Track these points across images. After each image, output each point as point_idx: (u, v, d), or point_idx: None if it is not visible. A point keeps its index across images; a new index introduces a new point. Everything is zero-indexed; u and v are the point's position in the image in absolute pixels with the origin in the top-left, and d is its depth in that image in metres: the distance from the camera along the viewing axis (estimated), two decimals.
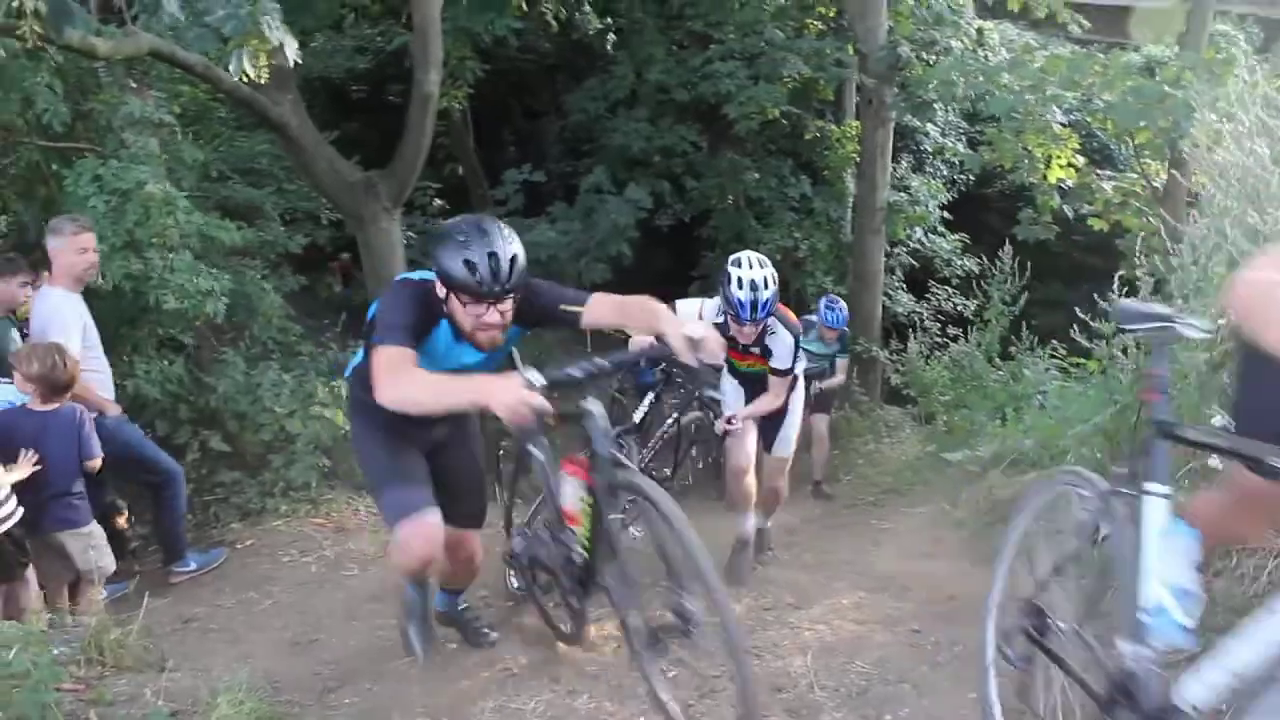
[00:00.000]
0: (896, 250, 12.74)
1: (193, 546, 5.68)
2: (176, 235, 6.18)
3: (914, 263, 13.23)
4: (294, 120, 7.92)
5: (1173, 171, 8.74)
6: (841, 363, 8.91)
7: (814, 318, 8.93)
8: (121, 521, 5.57)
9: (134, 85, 6.84)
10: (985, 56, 11.73)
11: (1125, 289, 5.91)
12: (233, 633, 4.73)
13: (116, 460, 5.13)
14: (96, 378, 5.21)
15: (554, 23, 11.26)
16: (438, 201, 11.02)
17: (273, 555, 5.83)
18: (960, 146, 13.45)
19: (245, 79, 5.81)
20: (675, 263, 12.57)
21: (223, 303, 6.27)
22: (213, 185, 8.21)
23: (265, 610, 5.05)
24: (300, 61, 5.89)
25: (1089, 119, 11.45)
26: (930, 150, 13.75)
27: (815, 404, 8.51)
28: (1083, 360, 7.35)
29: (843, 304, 8.88)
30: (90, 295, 5.43)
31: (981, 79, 9.90)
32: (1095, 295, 6.02)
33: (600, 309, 3.53)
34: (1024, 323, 8.93)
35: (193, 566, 5.51)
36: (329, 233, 9.83)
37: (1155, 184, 9.66)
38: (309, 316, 9.10)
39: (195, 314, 6.22)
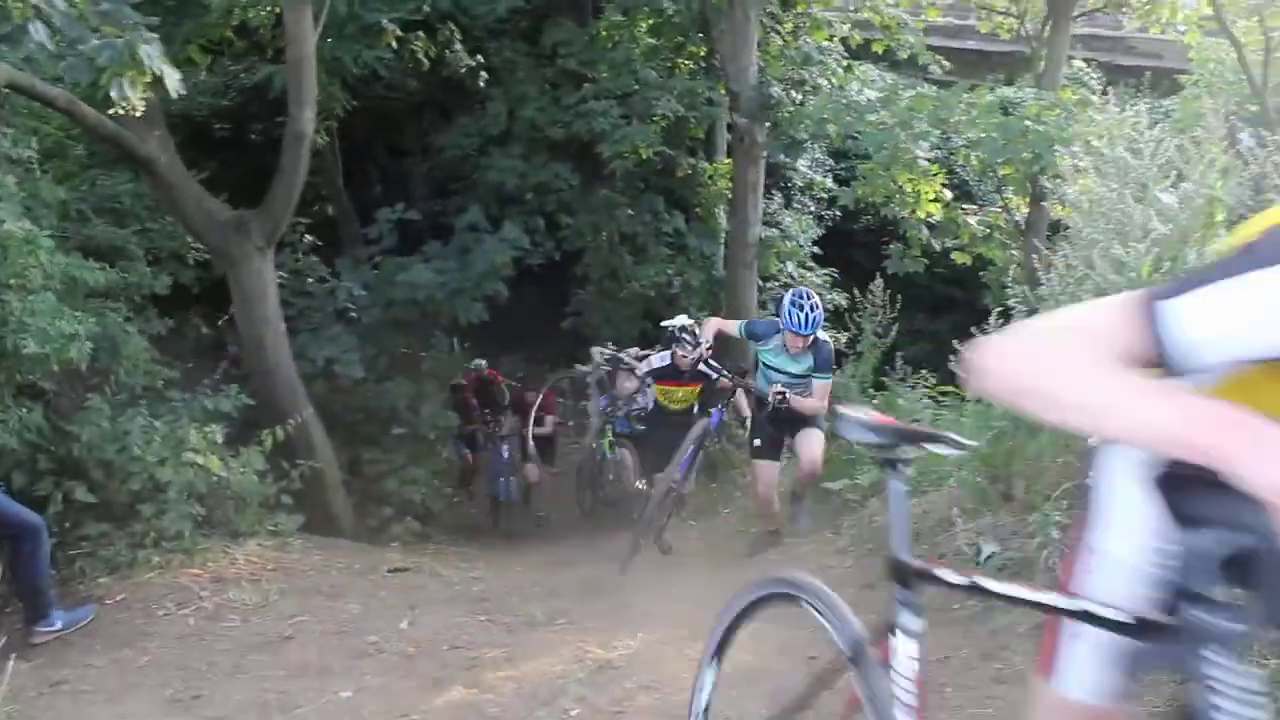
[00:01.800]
0: (769, 285, 12.95)
1: (58, 604, 5.38)
2: (39, 276, 5.90)
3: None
4: (162, 156, 7.66)
5: (1037, 204, 9.12)
6: (820, 386, 7.03)
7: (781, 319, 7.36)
8: None
9: None
10: (853, 95, 12.08)
11: (1002, 319, 6.09)
12: (108, 693, 4.49)
13: None
14: None
15: (425, 60, 11.17)
16: (308, 238, 10.79)
17: (146, 609, 5.57)
18: (829, 182, 13.78)
19: (112, 114, 5.60)
20: (547, 301, 12.56)
21: (87, 346, 6.00)
22: (73, 224, 7.89)
23: (142, 668, 4.82)
24: (184, 91, 5.70)
25: (953, 155, 11.89)
26: (800, 186, 14.06)
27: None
28: (954, 388, 7.59)
29: (816, 299, 7.08)
30: None
31: (852, 117, 10.20)
32: (971, 327, 6.18)
33: None
34: (894, 353, 9.19)
35: (59, 625, 5.20)
36: (195, 272, 9.52)
37: (1018, 217, 10.08)
38: (179, 360, 8.80)
39: (58, 359, 5.93)
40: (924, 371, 8.81)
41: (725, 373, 7.85)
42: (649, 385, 8.46)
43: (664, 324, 8.26)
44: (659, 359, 8.24)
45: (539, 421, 10.67)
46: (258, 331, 8.49)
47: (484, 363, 11.02)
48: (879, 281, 9.52)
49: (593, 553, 8.10)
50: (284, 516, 7.18)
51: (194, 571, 6.09)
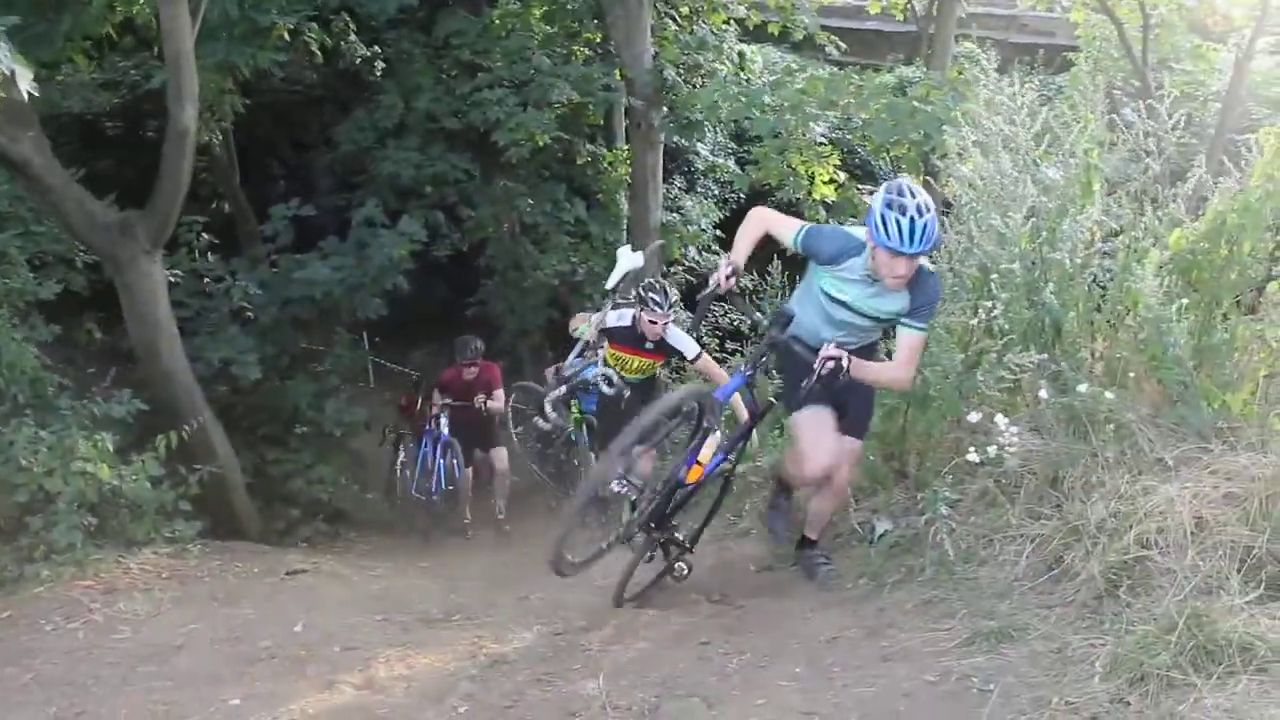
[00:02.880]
0: (673, 270, 13.00)
1: None
2: None
3: (691, 280, 13.53)
4: (37, 159, 7.44)
5: (928, 180, 9.27)
6: (910, 340, 4.63)
7: None
8: None
9: None
10: (748, 79, 12.17)
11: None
12: None
13: None
14: None
15: (318, 53, 11.00)
16: (205, 237, 10.58)
17: (33, 625, 5.40)
18: (731, 165, 13.85)
19: None
20: (453, 293, 12.48)
21: None
22: None
23: (24, 686, 4.67)
24: (35, 92, 5.51)
25: (849, 136, 12.05)
26: (702, 170, 14.12)
27: None
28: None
29: (926, 197, 4.61)
30: None
31: (744, 101, 10.28)
32: None
33: None
34: None
35: None
36: (85, 276, 9.30)
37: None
38: (69, 365, 8.59)
39: None
40: None
41: (693, 353, 7.11)
42: (600, 346, 7.58)
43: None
44: (616, 317, 7.46)
45: (490, 396, 9.27)
46: (149, 335, 8.32)
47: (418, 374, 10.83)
48: (776, 262, 9.60)
49: None
50: (182, 523, 7.03)
51: (85, 583, 5.93)
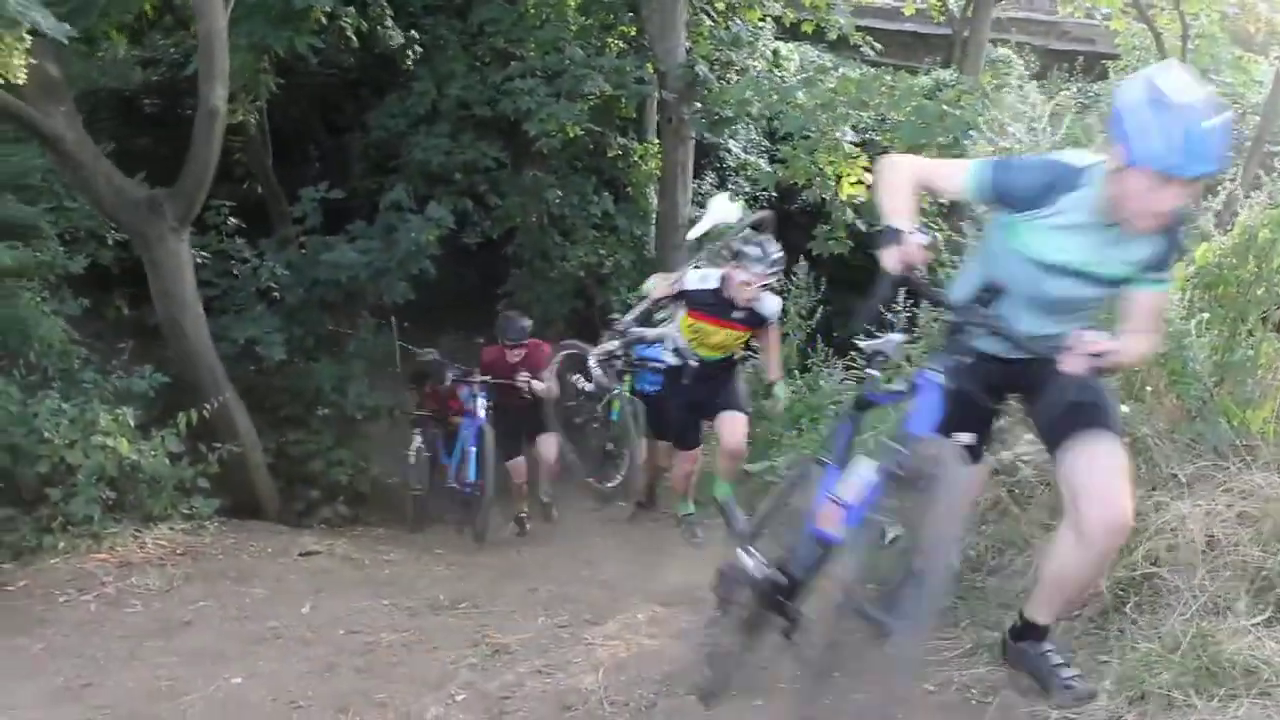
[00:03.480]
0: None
1: None
2: None
3: None
4: (69, 134, 7.52)
5: None
6: (1148, 300, 3.15)
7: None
8: None
9: None
10: (781, 77, 12.11)
11: (912, 299, 6.15)
12: None
13: None
14: None
15: (353, 37, 11.04)
16: (233, 220, 10.65)
17: (47, 596, 5.50)
18: (763, 164, 13.79)
19: (9, 88, 5.46)
20: (483, 280, 12.49)
21: None
22: None
23: (35, 656, 4.75)
24: (66, 41, 5.48)
25: (879, 138, 11.97)
26: (733, 167, 14.07)
27: None
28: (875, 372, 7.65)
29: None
30: None
31: (776, 98, 10.23)
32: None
33: None
34: (819, 335, 9.25)
35: None
36: (114, 252, 9.38)
37: (941, 200, 10.17)
38: (97, 339, 8.68)
39: None
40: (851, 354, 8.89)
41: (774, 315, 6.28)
42: (676, 312, 6.52)
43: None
44: (700, 278, 6.28)
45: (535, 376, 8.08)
46: (174, 313, 8.39)
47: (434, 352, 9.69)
48: (803, 262, 9.58)
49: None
50: (200, 500, 7.11)
51: (100, 556, 6.03)
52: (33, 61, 5.53)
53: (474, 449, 8.22)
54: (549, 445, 8.27)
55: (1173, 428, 4.51)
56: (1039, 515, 4.60)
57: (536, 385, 7.91)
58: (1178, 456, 4.32)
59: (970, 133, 7.52)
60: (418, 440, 9.72)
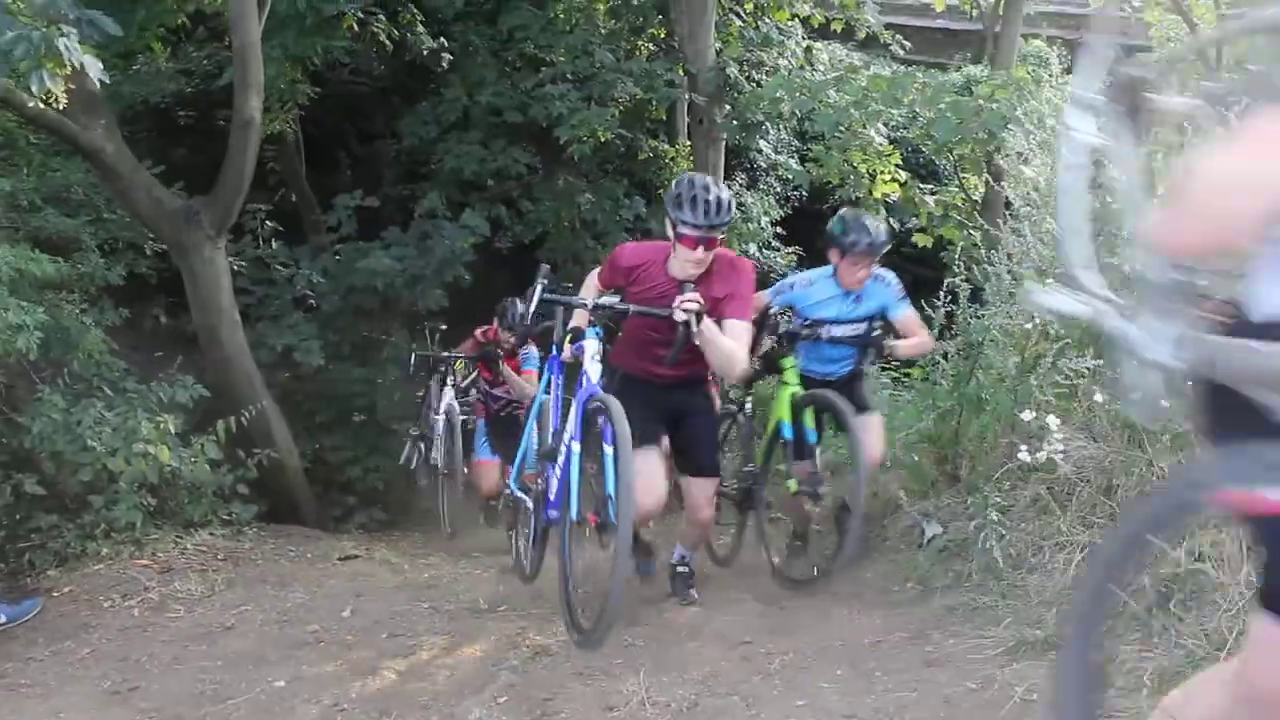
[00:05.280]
0: None
1: (4, 597, 5.39)
2: None
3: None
4: (108, 146, 7.62)
5: (990, 183, 9.16)
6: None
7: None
8: None
9: None
10: (812, 76, 12.08)
11: (949, 298, 6.12)
12: (45, 686, 4.49)
13: None
14: None
15: (387, 43, 11.12)
16: (269, 224, 10.76)
17: (92, 601, 5.57)
18: (793, 163, 13.76)
19: (49, 103, 5.56)
20: (515, 285, 12.52)
21: (36, 337, 5.98)
22: (22, 215, 7.84)
23: (82, 660, 4.82)
24: (106, 80, 5.64)
25: (911, 136, 11.92)
26: (764, 167, 14.05)
27: None
28: (909, 371, 7.64)
29: None
30: None
31: (807, 96, 10.21)
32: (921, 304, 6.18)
33: None
34: None
35: (3, 619, 5.21)
36: (153, 263, 9.48)
37: (975, 197, 10.12)
38: (134, 350, 8.78)
39: (5, 350, 5.91)
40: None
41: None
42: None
43: None
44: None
45: None
46: (212, 321, 8.48)
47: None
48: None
49: None
50: (239, 506, 7.19)
51: (143, 562, 6.10)
52: (73, 87, 5.60)
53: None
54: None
55: None
56: (1079, 512, 4.59)
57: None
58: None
59: (1009, 127, 7.48)
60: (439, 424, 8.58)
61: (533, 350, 7.64)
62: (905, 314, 5.80)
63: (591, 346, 4.55)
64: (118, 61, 9.00)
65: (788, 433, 5.51)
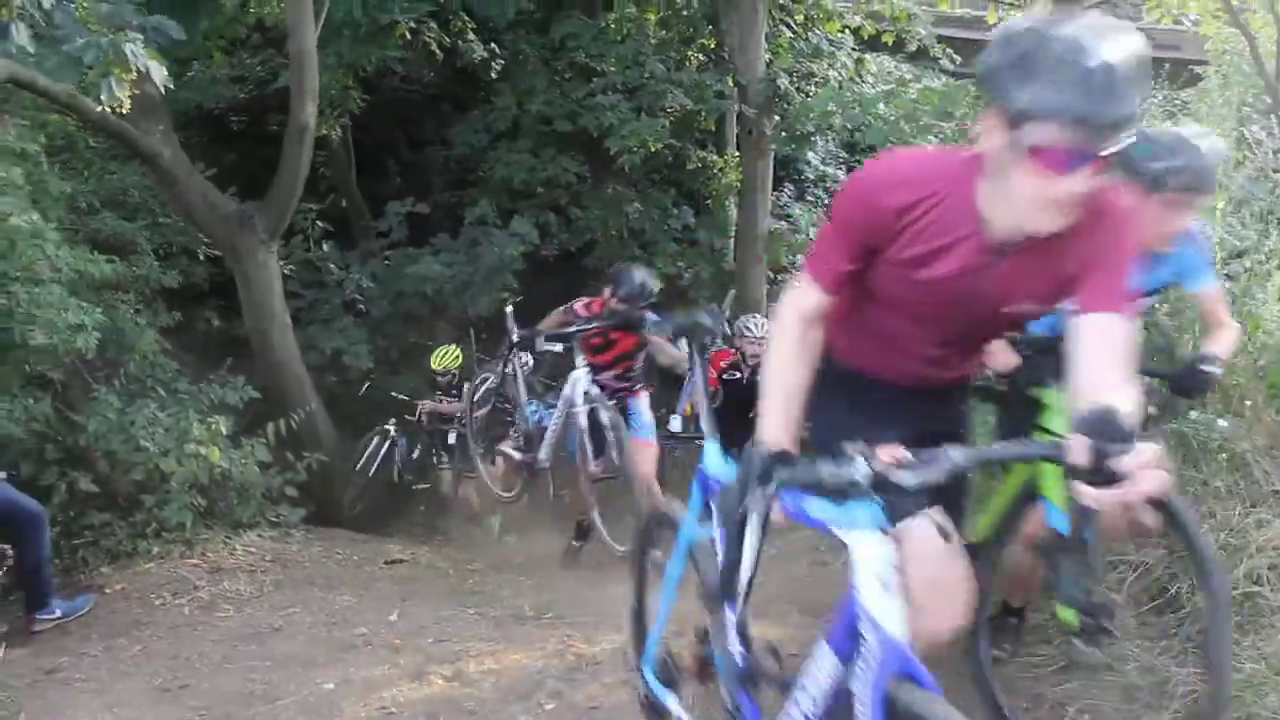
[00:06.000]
0: (781, 277, 12.92)
1: (58, 593, 5.47)
2: (46, 269, 5.99)
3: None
4: (165, 151, 7.75)
5: None
6: None
7: None
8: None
9: None
10: (862, 88, 12.04)
11: None
12: (98, 682, 4.57)
13: None
14: None
15: (438, 51, 11.20)
16: (320, 225, 10.91)
17: (144, 599, 5.66)
18: (841, 175, 13.72)
19: (112, 109, 5.66)
20: (561, 292, 12.56)
21: (94, 337, 6.08)
22: (81, 218, 7.98)
23: (134, 657, 4.90)
24: (171, 86, 5.76)
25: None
26: (812, 179, 14.01)
27: None
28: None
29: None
30: None
31: (858, 109, 10.17)
32: None
33: None
34: None
35: (58, 613, 5.30)
36: (205, 268, 9.62)
37: None
38: (186, 352, 8.91)
39: (65, 349, 6.02)
40: None
41: None
42: None
43: None
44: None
45: None
46: (263, 324, 8.58)
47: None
48: None
49: None
50: (287, 508, 7.27)
51: (193, 562, 6.17)
52: (136, 91, 5.70)
53: None
54: None
55: (1273, 443, 4.41)
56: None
57: None
58: (1278, 473, 4.22)
59: None
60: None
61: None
62: (1212, 286, 3.90)
63: None
64: (174, 68, 9.12)
65: (1060, 524, 3.36)
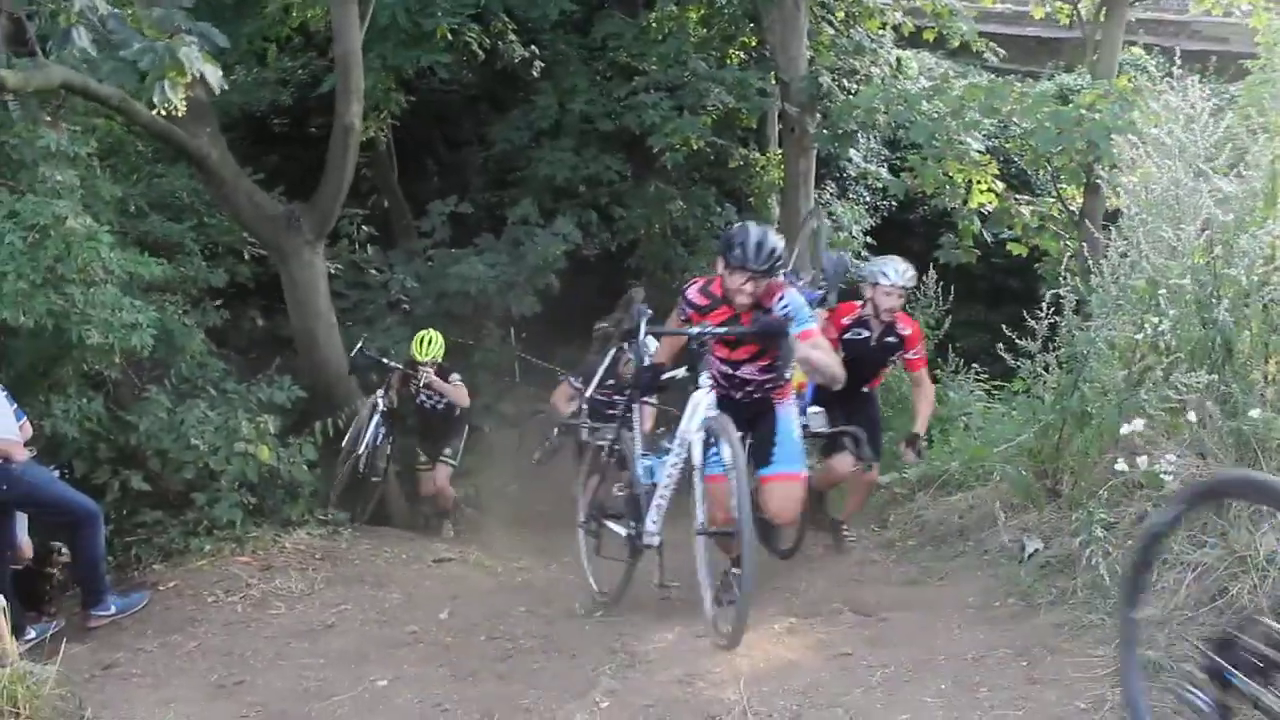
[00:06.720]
0: (819, 275, 12.85)
1: (113, 589, 5.55)
2: (100, 270, 6.07)
3: (842, 286, 13.35)
4: (214, 153, 7.83)
5: (1092, 194, 8.99)
6: None
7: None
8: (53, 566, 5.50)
9: (48, 119, 6.71)
10: (904, 85, 11.96)
11: (1052, 309, 5.99)
12: (155, 677, 4.63)
13: (24, 504, 5.07)
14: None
15: (479, 52, 11.24)
16: (364, 228, 10.98)
17: (197, 596, 5.72)
18: (883, 172, 13.65)
19: (164, 113, 5.73)
20: (601, 291, 12.57)
21: (149, 335, 6.15)
22: (131, 220, 8.06)
23: (189, 653, 4.96)
24: (225, 87, 5.83)
25: (1007, 145, 11.74)
26: (854, 176, 13.95)
27: None
28: (1005, 383, 7.51)
29: None
30: (9, 335, 5.35)
31: (903, 106, 10.11)
32: (1024, 314, 6.07)
33: None
34: (949, 345, 9.10)
35: (113, 610, 5.38)
36: (251, 267, 9.69)
37: (1072, 208, 9.93)
38: (232, 350, 9.00)
39: (121, 348, 6.09)
40: (975, 366, 8.74)
41: None
42: None
43: None
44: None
45: None
46: (309, 324, 8.65)
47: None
48: (932, 272, 9.44)
49: None
50: (334, 507, 7.35)
51: (244, 559, 6.24)
52: (191, 94, 5.76)
53: None
54: None
55: None
56: (1188, 531, 4.46)
57: None
58: None
59: (1111, 137, 7.32)
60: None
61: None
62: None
63: None
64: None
65: None
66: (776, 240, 4.90)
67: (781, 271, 5.09)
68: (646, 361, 5.56)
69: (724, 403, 5.00)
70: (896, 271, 6.37)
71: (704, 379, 4.97)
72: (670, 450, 4.98)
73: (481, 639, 4.91)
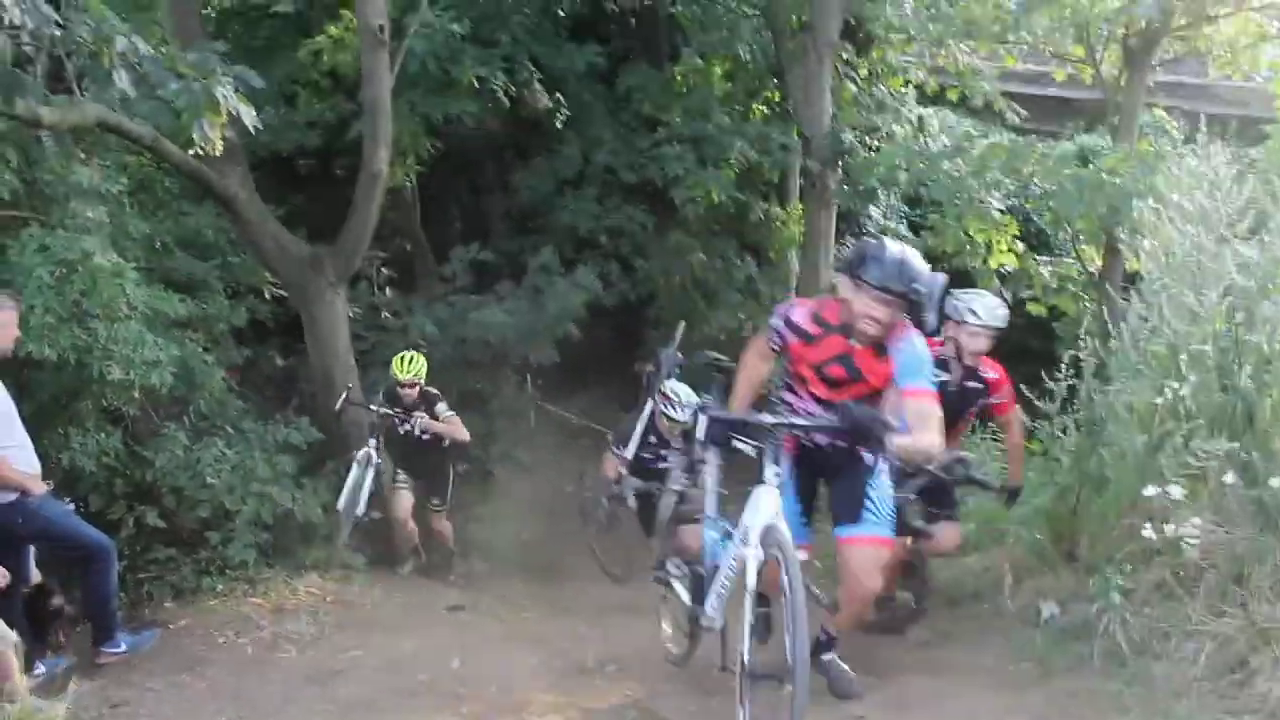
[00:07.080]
0: None
1: (124, 626, 5.53)
2: (124, 306, 6.12)
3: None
4: (242, 193, 7.91)
5: (1111, 256, 8.99)
6: None
7: None
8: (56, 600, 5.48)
9: (82, 155, 6.81)
10: (926, 143, 12.03)
11: (1071, 371, 5.98)
12: (164, 718, 4.61)
13: (39, 538, 5.07)
14: (18, 454, 5.08)
15: (505, 99, 11.35)
16: (385, 271, 11.05)
17: (207, 636, 5.71)
18: (902, 229, 13.68)
19: (201, 152, 5.81)
20: (621, 341, 12.59)
21: (169, 373, 6.19)
22: (157, 256, 8.13)
23: (198, 694, 4.94)
24: (260, 127, 5.91)
25: (1027, 205, 11.78)
26: (874, 233, 13.97)
27: None
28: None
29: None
30: (33, 367, 5.38)
31: (924, 165, 10.16)
32: (1043, 374, 6.05)
33: None
34: None
35: (123, 647, 5.36)
36: (271, 307, 9.74)
37: (1091, 269, 9.94)
38: (250, 388, 9.02)
39: (141, 384, 6.13)
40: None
41: None
42: None
43: None
44: None
45: None
46: (328, 365, 8.68)
47: None
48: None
49: None
50: (348, 551, 7.32)
51: (255, 600, 6.24)
52: (228, 135, 5.83)
53: None
54: None
55: None
56: (1208, 600, 4.42)
57: None
58: None
59: (1133, 202, 7.34)
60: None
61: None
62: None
63: None
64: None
65: None
66: (921, 264, 4.22)
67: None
68: (678, 414, 6.07)
69: (804, 450, 4.46)
70: (987, 309, 5.59)
71: (769, 472, 4.09)
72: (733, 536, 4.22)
73: (493, 690, 4.87)
